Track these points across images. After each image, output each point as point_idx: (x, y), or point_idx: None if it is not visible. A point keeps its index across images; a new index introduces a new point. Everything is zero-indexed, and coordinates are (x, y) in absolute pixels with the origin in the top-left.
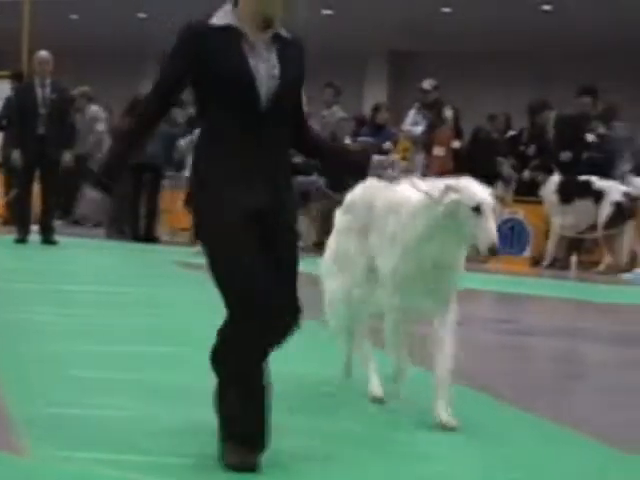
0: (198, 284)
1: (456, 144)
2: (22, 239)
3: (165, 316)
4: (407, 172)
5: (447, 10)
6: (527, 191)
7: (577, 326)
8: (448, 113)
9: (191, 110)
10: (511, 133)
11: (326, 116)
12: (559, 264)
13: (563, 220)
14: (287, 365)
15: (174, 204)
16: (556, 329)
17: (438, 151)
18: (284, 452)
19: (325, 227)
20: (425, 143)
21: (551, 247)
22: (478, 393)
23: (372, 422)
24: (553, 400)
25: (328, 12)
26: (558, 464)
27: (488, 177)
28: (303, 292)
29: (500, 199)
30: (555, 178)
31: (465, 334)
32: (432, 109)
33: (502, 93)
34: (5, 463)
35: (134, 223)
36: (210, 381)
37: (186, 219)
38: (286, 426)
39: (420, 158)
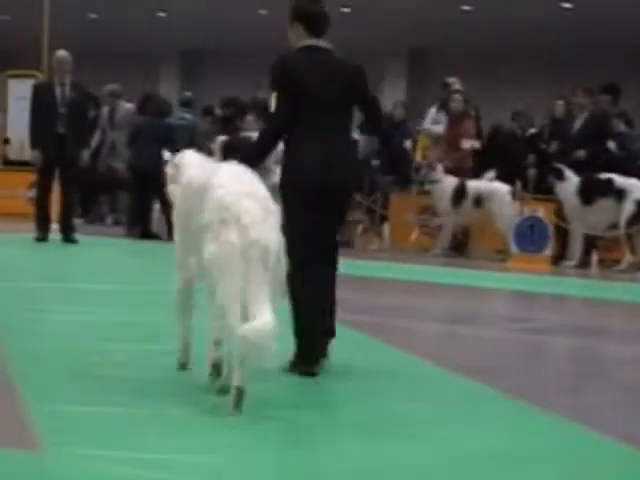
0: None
1: (475, 144)
2: (42, 238)
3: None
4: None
5: (467, 8)
6: (547, 189)
7: (597, 324)
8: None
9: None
10: (531, 131)
11: None
12: (579, 262)
13: (584, 221)
14: None
15: None
16: (575, 327)
17: (465, 144)
18: None
19: (343, 225)
20: (448, 137)
21: (576, 247)
22: (495, 391)
23: None
24: (570, 398)
25: (346, 10)
26: (575, 463)
27: (510, 175)
28: None
29: (520, 197)
30: (574, 179)
31: (484, 332)
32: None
33: (521, 91)
34: (21, 460)
35: (146, 221)
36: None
37: None
38: None
39: (438, 156)
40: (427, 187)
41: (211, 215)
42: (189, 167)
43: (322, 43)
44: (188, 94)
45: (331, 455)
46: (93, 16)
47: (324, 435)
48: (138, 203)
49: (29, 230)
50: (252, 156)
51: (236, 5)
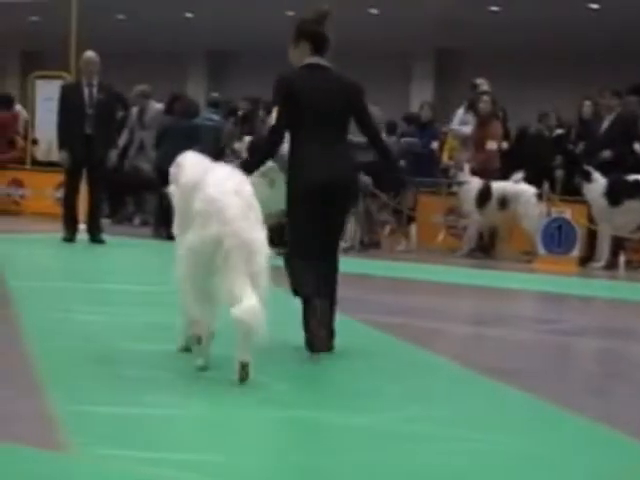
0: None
1: (503, 145)
2: (69, 238)
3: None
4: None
5: (495, 9)
6: (574, 190)
7: (624, 326)
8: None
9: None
10: (558, 132)
11: None
12: (607, 264)
13: (612, 223)
14: None
15: None
16: (602, 329)
17: (490, 145)
18: None
19: (371, 226)
20: (475, 138)
21: (604, 249)
22: (521, 392)
23: None
24: (597, 399)
25: (374, 11)
26: (602, 464)
27: (537, 176)
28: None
29: (547, 199)
30: (601, 180)
31: (510, 334)
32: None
33: (549, 92)
34: (46, 460)
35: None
36: (254, 378)
37: None
38: None
39: (465, 157)
40: (454, 188)
41: (199, 208)
42: (188, 167)
43: (323, 61)
44: (215, 95)
45: (354, 458)
46: (121, 17)
47: (346, 437)
48: (165, 204)
49: (57, 230)
50: (252, 164)
51: (264, 6)
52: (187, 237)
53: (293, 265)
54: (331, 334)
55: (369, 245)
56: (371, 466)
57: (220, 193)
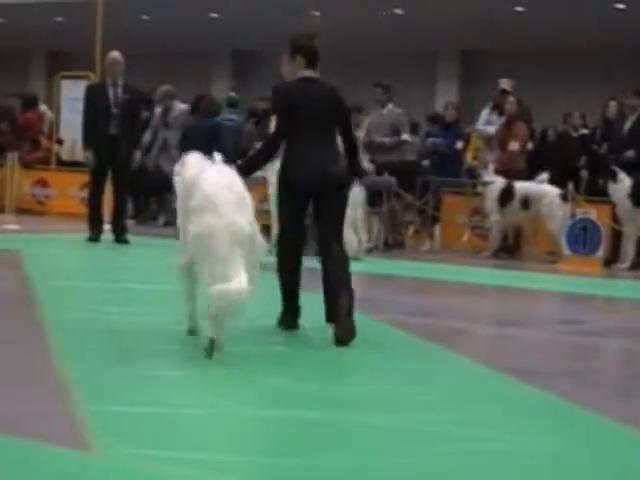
0: (265, 285)
1: (528, 145)
2: (94, 238)
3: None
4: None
5: (520, 9)
6: (600, 191)
7: None
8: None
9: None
10: (582, 132)
11: (384, 114)
12: (632, 264)
13: (637, 223)
14: None
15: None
16: (627, 330)
17: (513, 146)
18: None
19: (395, 227)
20: (500, 138)
21: (629, 250)
22: (545, 393)
23: None
24: (621, 401)
25: (399, 12)
26: (625, 467)
27: (562, 176)
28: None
29: (572, 199)
30: (627, 180)
31: (534, 334)
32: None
33: (574, 92)
34: (74, 459)
35: None
36: (276, 379)
37: (257, 218)
38: None
39: (490, 157)
40: (479, 188)
41: (196, 202)
42: (191, 165)
43: (315, 74)
44: (233, 94)
45: (377, 458)
46: (145, 17)
47: (369, 438)
48: None
49: (82, 230)
50: (251, 165)
51: (289, 6)
52: (186, 229)
53: (280, 253)
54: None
55: (393, 245)
56: (394, 466)
57: (215, 189)
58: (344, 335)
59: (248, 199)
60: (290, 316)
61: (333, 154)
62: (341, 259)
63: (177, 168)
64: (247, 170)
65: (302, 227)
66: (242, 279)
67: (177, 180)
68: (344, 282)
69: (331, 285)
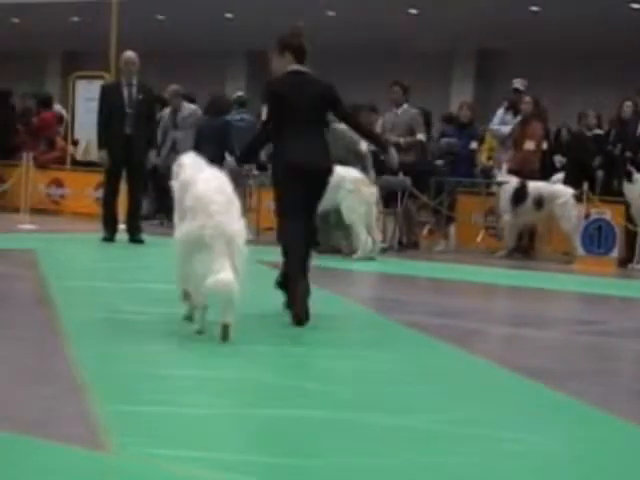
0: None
1: (543, 145)
2: (109, 238)
3: (245, 313)
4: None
5: (536, 9)
6: (614, 191)
7: None
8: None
9: None
10: (596, 132)
11: (399, 114)
12: None
13: None
14: None
15: (260, 203)
16: None
17: (528, 145)
18: None
19: (410, 227)
20: (515, 138)
21: None
22: (560, 394)
23: None
24: (637, 401)
25: (414, 12)
26: (639, 467)
27: (577, 177)
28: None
29: (587, 199)
30: None
31: (549, 335)
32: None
33: (590, 92)
34: (90, 460)
35: None
36: (290, 379)
37: (272, 218)
38: None
39: (504, 157)
40: (494, 188)
41: (189, 203)
42: (186, 168)
43: (303, 68)
44: (241, 94)
45: (398, 458)
46: (160, 17)
47: (389, 438)
48: None
49: (96, 230)
50: (247, 153)
51: (303, 6)
52: (181, 228)
53: (283, 227)
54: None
55: (408, 245)
56: (414, 467)
57: (206, 191)
58: (301, 315)
59: (236, 200)
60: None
61: (320, 142)
62: (308, 245)
63: (175, 169)
64: (244, 158)
65: (300, 213)
66: (229, 272)
67: (174, 182)
68: (306, 268)
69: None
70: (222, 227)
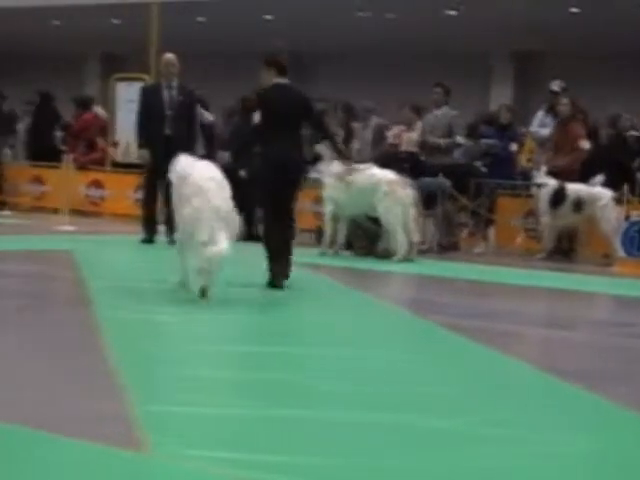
0: (320, 284)
1: (586, 145)
2: (148, 239)
3: (286, 316)
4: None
5: (575, 10)
6: None
7: None
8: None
9: None
10: (632, 133)
11: (439, 115)
12: None
13: None
14: None
15: (299, 204)
16: None
17: (583, 145)
18: None
19: (449, 228)
20: (555, 140)
21: None
22: (598, 396)
23: None
24: None
25: (452, 13)
26: None
27: (617, 178)
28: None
29: (627, 202)
30: None
31: (587, 337)
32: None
33: (630, 95)
34: (127, 460)
35: (249, 223)
36: (327, 382)
37: (311, 220)
38: None
39: (543, 159)
40: (533, 190)
41: (188, 189)
42: (182, 162)
43: (285, 81)
44: None
45: (436, 460)
46: (200, 19)
47: (428, 440)
48: (239, 206)
49: (136, 232)
50: (240, 152)
51: (341, 7)
52: (182, 211)
53: (265, 221)
54: (287, 276)
55: (447, 247)
56: (452, 468)
57: (201, 179)
58: (281, 277)
59: (226, 185)
60: (274, 277)
61: (296, 144)
62: (292, 229)
63: (172, 167)
64: (235, 157)
65: (281, 203)
66: (224, 243)
67: (172, 175)
68: (290, 251)
69: (281, 250)
70: (216, 207)
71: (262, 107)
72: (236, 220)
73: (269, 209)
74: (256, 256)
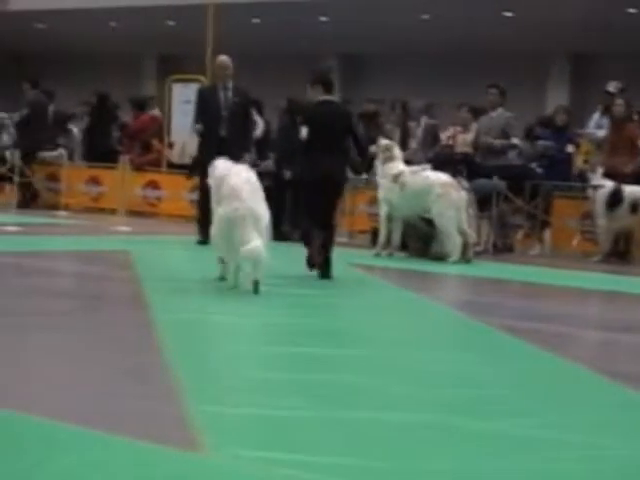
0: (373, 286)
1: None
2: (204, 241)
3: (340, 318)
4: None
5: (632, 11)
6: None
7: None
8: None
9: None
10: None
11: (494, 117)
12: None
13: None
14: None
15: (355, 205)
16: None
17: (623, 150)
18: None
19: (504, 230)
20: (610, 142)
21: None
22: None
23: None
24: None
25: (509, 14)
26: None
27: None
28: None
29: None
30: None
31: (624, 338)
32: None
33: None
34: (185, 461)
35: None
36: (380, 382)
37: (366, 221)
38: None
39: (600, 161)
40: (589, 192)
41: (225, 192)
42: (219, 167)
43: (331, 97)
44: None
45: (487, 463)
46: (256, 21)
47: (479, 442)
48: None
49: (192, 233)
50: (288, 156)
51: (397, 8)
52: (219, 210)
53: (305, 224)
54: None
55: (502, 249)
56: (504, 472)
57: (237, 182)
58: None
59: (260, 189)
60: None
61: (339, 158)
62: (333, 229)
63: (210, 170)
64: (280, 159)
65: (319, 210)
66: (258, 241)
67: (210, 178)
68: (332, 246)
69: (326, 246)
70: (250, 208)
71: (309, 122)
72: (267, 221)
73: (312, 215)
74: (294, 254)
